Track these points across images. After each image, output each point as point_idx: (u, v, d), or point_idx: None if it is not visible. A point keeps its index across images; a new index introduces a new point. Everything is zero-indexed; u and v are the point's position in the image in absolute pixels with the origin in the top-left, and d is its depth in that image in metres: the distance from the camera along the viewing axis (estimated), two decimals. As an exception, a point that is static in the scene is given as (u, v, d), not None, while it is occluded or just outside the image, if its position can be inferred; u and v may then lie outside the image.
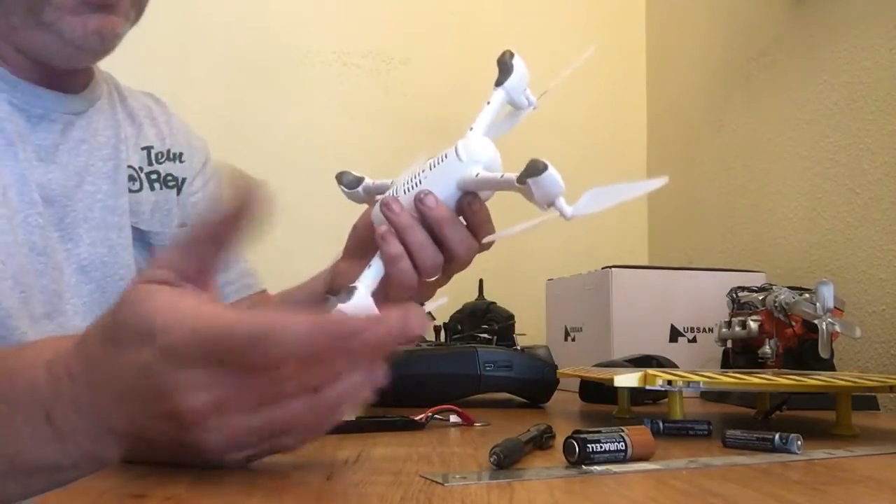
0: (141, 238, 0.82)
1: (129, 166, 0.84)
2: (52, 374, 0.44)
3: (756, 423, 0.74)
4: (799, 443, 0.52)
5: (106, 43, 0.73)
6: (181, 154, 0.91)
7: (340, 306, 0.51)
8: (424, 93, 1.68)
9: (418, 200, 0.55)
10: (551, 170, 0.49)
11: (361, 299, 0.53)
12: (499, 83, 0.54)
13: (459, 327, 1.18)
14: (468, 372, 0.84)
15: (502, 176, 0.53)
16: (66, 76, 0.78)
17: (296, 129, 1.65)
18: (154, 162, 0.87)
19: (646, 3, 1.87)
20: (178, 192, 0.90)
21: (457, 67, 1.73)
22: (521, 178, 0.50)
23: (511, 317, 1.18)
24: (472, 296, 1.32)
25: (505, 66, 0.53)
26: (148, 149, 0.87)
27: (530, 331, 1.26)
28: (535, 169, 0.49)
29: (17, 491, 0.47)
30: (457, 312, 1.27)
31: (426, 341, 1.17)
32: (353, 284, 0.54)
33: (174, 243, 0.46)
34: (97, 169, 0.80)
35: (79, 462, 0.44)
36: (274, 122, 1.61)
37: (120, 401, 0.42)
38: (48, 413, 0.43)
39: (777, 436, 0.52)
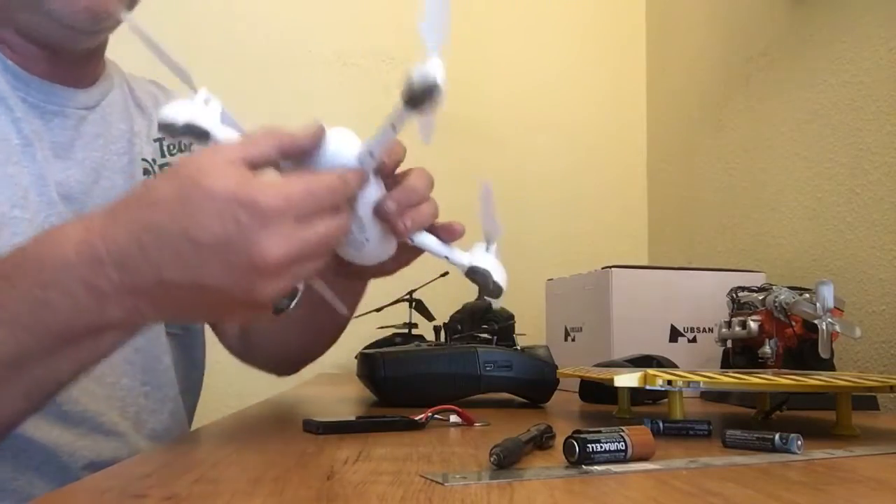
0: None
1: (143, 159, 0.84)
2: (83, 245, 0.48)
3: (756, 423, 0.74)
4: (799, 443, 0.52)
5: (99, 22, 0.73)
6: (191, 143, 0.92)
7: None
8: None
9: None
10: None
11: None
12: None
13: (459, 327, 1.18)
14: (468, 372, 0.84)
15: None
16: (78, 69, 0.79)
17: (295, 128, 1.65)
18: (167, 153, 0.87)
19: (646, 3, 1.87)
20: None
21: (457, 67, 1.73)
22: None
23: (511, 317, 1.18)
24: (472, 296, 1.32)
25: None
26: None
27: (530, 331, 1.26)
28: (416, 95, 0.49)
29: (67, 367, 0.53)
30: (457, 312, 1.27)
31: (426, 341, 1.18)
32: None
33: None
34: (112, 164, 0.80)
35: (119, 322, 0.50)
36: (274, 121, 1.61)
37: (193, 254, 0.47)
38: (85, 280, 0.48)
39: (777, 436, 0.52)
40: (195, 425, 0.96)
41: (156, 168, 0.85)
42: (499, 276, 0.58)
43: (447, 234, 0.59)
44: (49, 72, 0.76)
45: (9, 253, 0.52)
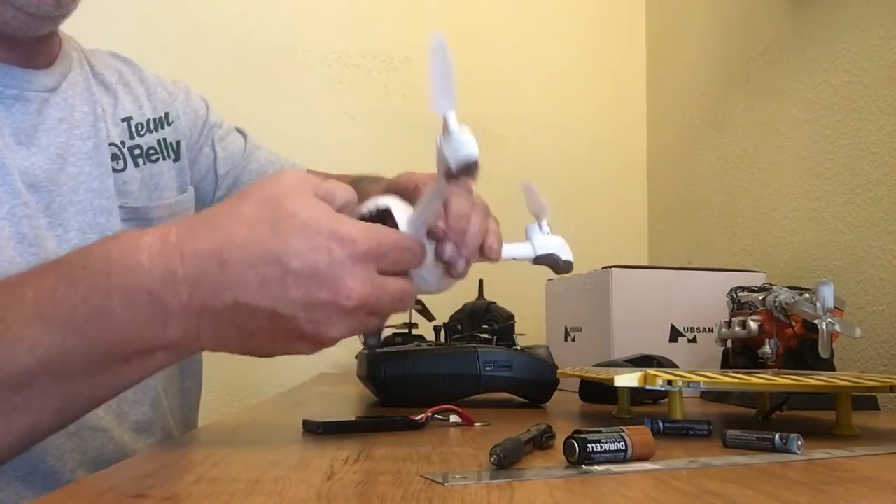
0: (136, 215, 0.80)
1: (112, 143, 0.81)
2: (159, 256, 0.47)
3: (756, 423, 0.74)
4: (799, 443, 0.52)
5: (61, 7, 0.71)
6: (167, 115, 0.88)
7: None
8: (424, 93, 1.67)
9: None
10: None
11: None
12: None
13: (459, 327, 1.18)
14: (468, 372, 0.84)
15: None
16: (34, 50, 0.75)
17: (296, 128, 1.65)
18: (135, 135, 0.84)
19: (646, 3, 1.87)
20: (176, 159, 0.87)
21: (457, 67, 1.73)
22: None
23: (511, 317, 1.18)
24: (472, 296, 1.32)
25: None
26: (127, 120, 0.84)
27: (530, 331, 1.26)
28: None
29: (108, 383, 0.50)
30: (457, 312, 1.27)
31: (426, 341, 1.17)
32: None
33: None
34: (77, 149, 0.77)
35: (175, 342, 0.48)
36: (274, 121, 1.61)
37: (277, 279, 0.46)
38: (151, 291, 0.46)
39: (777, 436, 0.52)
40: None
41: (125, 151, 0.82)
42: (564, 253, 0.60)
43: (492, 256, 0.60)
44: (5, 55, 0.73)
45: (73, 251, 0.50)
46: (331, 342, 0.50)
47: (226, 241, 0.47)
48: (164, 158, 0.86)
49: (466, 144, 0.50)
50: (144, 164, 0.83)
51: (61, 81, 0.78)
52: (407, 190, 0.67)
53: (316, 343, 0.50)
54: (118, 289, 0.47)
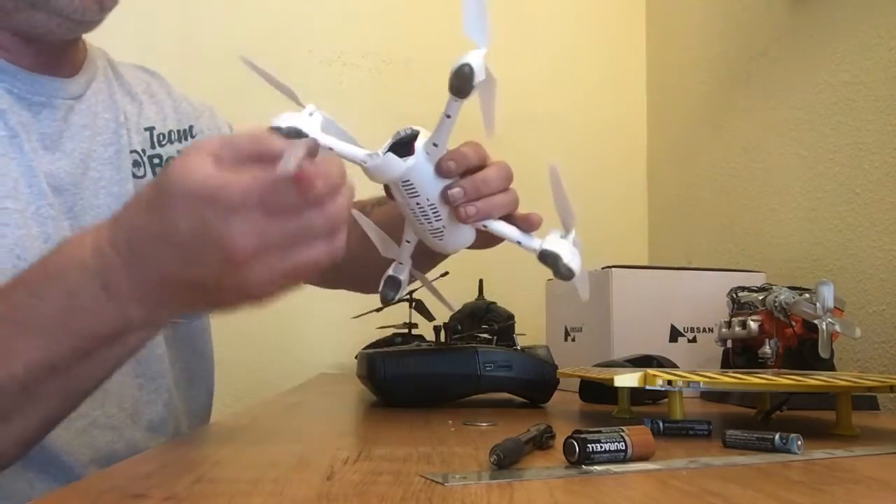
0: None
1: (133, 150, 0.83)
2: (96, 251, 0.51)
3: (756, 423, 0.74)
4: (799, 443, 0.52)
5: (104, 11, 0.73)
6: (191, 128, 0.91)
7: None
8: (424, 93, 1.68)
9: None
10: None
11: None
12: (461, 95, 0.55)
13: (459, 327, 1.18)
14: (468, 372, 0.84)
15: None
16: (61, 58, 0.78)
17: (296, 128, 1.65)
18: (156, 145, 0.86)
19: (646, 2, 1.87)
20: None
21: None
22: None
23: (511, 317, 1.18)
24: (472, 296, 1.32)
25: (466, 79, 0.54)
26: (150, 130, 0.86)
27: (530, 331, 1.26)
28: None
29: (100, 366, 0.55)
30: (457, 312, 1.27)
31: (426, 341, 1.17)
32: None
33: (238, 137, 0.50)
34: (99, 155, 0.79)
35: (141, 322, 0.52)
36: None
37: (174, 253, 0.48)
38: (104, 285, 0.50)
39: (777, 436, 0.52)
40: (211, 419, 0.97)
41: (145, 159, 0.84)
42: (569, 259, 0.60)
43: (525, 224, 0.62)
44: (34, 63, 0.75)
45: (31, 267, 0.54)
46: (267, 294, 0.50)
47: (133, 228, 0.50)
48: None
49: (466, 56, 0.52)
50: None
51: (86, 89, 0.80)
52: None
53: (253, 297, 0.50)
54: (77, 288, 0.51)
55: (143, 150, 0.84)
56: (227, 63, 1.66)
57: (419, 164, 0.58)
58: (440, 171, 0.59)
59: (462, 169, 0.60)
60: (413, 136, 0.58)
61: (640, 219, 1.82)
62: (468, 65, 0.52)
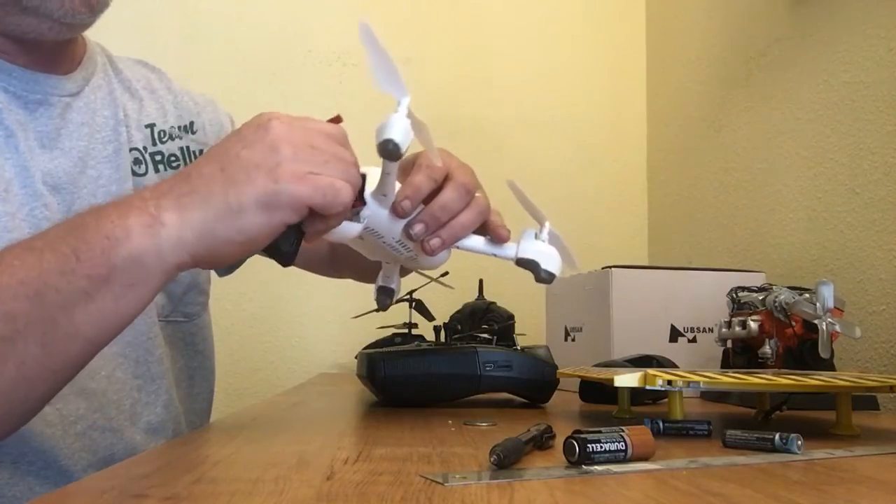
0: None
1: (133, 148, 0.83)
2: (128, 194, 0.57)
3: (756, 423, 0.74)
4: (799, 443, 0.52)
5: (95, 13, 0.72)
6: (191, 124, 0.90)
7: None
8: (425, 93, 1.68)
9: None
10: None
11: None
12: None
13: (459, 327, 1.18)
14: (468, 372, 0.84)
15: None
16: (57, 55, 0.77)
17: (296, 129, 1.65)
18: (157, 142, 0.86)
19: (646, 2, 1.87)
20: None
21: (457, 67, 1.73)
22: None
23: (511, 317, 1.18)
24: (472, 296, 1.32)
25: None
26: (151, 126, 0.86)
27: (530, 331, 1.26)
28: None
29: (86, 318, 0.53)
30: (457, 312, 1.27)
31: (426, 341, 1.17)
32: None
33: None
34: (98, 152, 0.79)
35: (138, 230, 0.52)
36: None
37: (217, 150, 0.55)
38: (116, 201, 0.54)
39: (777, 436, 0.52)
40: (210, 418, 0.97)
41: (147, 156, 0.83)
42: (548, 263, 0.61)
43: (495, 237, 0.63)
44: (29, 60, 0.74)
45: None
46: (289, 183, 0.53)
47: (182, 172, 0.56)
48: (185, 165, 0.87)
49: (386, 128, 0.54)
50: (165, 170, 0.85)
51: (84, 86, 0.80)
52: (406, 162, 0.69)
53: (278, 181, 0.53)
54: (88, 212, 0.54)
55: (145, 148, 0.84)
56: (227, 63, 1.67)
57: (374, 214, 0.60)
58: (397, 213, 0.60)
59: (417, 204, 0.61)
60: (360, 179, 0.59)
61: (640, 219, 1.82)
62: (391, 141, 0.54)
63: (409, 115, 0.55)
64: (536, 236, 0.62)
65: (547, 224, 0.62)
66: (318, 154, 0.54)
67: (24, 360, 0.52)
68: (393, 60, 0.54)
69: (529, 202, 0.61)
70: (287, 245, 0.56)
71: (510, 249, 0.62)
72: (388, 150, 0.54)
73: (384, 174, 0.58)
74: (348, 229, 0.59)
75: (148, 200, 0.53)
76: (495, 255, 0.63)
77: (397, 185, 0.60)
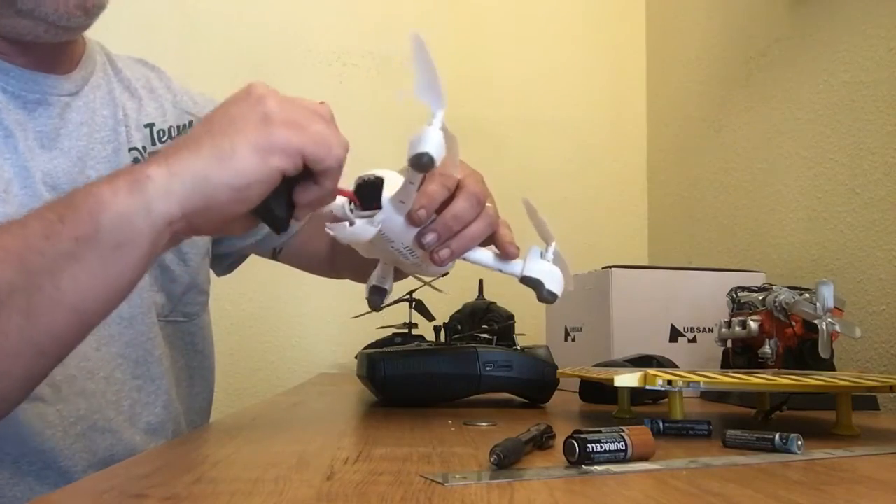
0: None
1: (133, 148, 0.82)
2: (127, 170, 0.53)
3: (756, 423, 0.74)
4: (799, 443, 0.52)
5: (90, 16, 0.72)
6: (190, 123, 0.90)
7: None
8: (424, 93, 1.68)
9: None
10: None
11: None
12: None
13: (459, 327, 1.18)
14: (468, 372, 0.84)
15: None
16: (56, 55, 0.77)
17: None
18: (157, 141, 0.85)
19: (646, 2, 1.87)
20: None
21: (457, 67, 1.73)
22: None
23: (511, 317, 1.18)
24: (472, 296, 1.32)
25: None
26: (150, 126, 0.85)
27: (530, 331, 1.26)
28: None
29: (71, 281, 0.50)
30: (457, 312, 1.27)
31: (426, 341, 1.17)
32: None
33: None
34: (97, 152, 0.78)
35: (121, 189, 0.50)
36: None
37: (216, 112, 0.54)
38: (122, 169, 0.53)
39: (777, 436, 0.52)
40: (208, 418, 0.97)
41: (146, 156, 0.83)
42: (552, 283, 0.62)
43: (503, 253, 0.64)
44: (28, 61, 0.74)
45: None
46: (281, 130, 0.53)
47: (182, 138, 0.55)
48: None
49: (422, 142, 0.54)
50: None
51: (83, 85, 0.80)
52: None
53: (271, 128, 0.52)
54: (82, 186, 0.53)
55: (144, 148, 0.83)
56: (227, 63, 1.67)
57: (389, 218, 0.60)
58: (412, 221, 0.60)
59: (432, 213, 0.61)
60: (377, 182, 0.59)
61: (640, 219, 1.82)
62: (426, 154, 0.54)
63: (443, 127, 0.55)
64: (542, 255, 0.63)
65: (553, 244, 0.63)
66: (308, 113, 0.55)
67: (8, 331, 0.49)
68: (438, 73, 0.54)
69: (541, 220, 0.61)
70: (280, 209, 0.55)
71: (516, 266, 0.63)
72: (423, 163, 0.54)
73: (408, 183, 0.58)
74: (362, 232, 0.59)
75: (136, 166, 0.53)
76: (501, 271, 0.64)
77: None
